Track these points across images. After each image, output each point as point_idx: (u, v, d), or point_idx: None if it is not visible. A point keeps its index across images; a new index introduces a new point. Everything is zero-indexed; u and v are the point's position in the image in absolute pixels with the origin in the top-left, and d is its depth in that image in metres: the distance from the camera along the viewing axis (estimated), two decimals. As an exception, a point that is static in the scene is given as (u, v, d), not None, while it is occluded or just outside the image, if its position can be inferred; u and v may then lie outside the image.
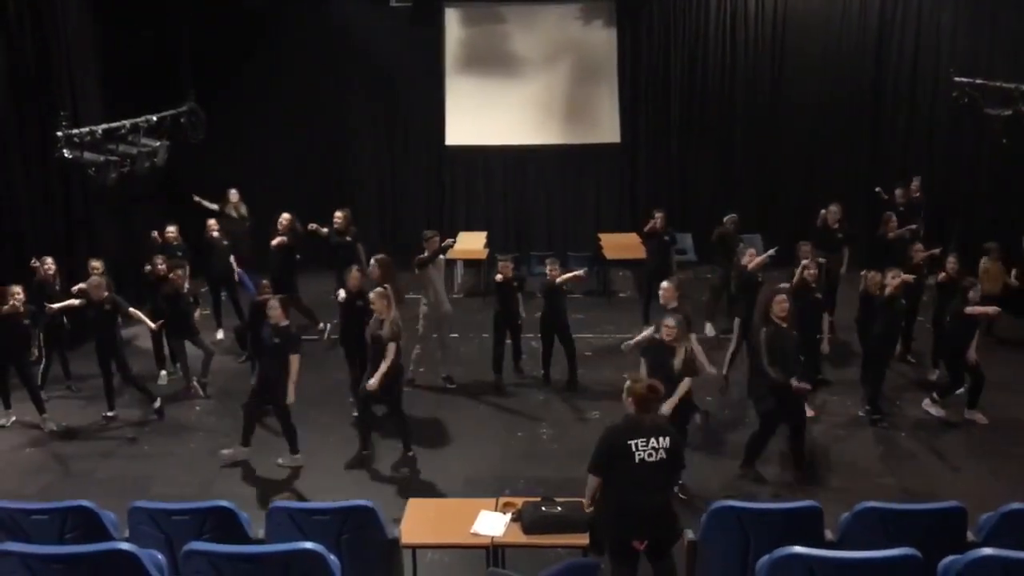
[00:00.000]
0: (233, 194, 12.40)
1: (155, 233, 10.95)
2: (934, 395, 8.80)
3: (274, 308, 7.59)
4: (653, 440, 4.98)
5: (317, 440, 8.25)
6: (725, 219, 11.10)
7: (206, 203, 12.27)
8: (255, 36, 13.68)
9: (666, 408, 6.88)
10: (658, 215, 11.26)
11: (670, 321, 7.03)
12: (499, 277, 9.37)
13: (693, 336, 7.59)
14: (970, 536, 4.98)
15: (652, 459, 4.96)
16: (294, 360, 7.53)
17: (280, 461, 7.74)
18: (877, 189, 11.94)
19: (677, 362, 6.89)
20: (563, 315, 9.50)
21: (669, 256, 11.48)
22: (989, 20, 13.28)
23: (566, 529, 5.38)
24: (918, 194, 11.96)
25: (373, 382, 7.42)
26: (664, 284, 7.84)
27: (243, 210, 12.45)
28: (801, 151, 14.26)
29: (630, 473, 4.96)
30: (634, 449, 4.95)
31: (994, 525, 4.96)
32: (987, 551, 4.15)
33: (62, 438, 8.54)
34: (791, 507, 5.14)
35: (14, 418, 8.86)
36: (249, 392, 7.89)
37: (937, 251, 10.00)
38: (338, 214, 11.27)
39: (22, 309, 8.43)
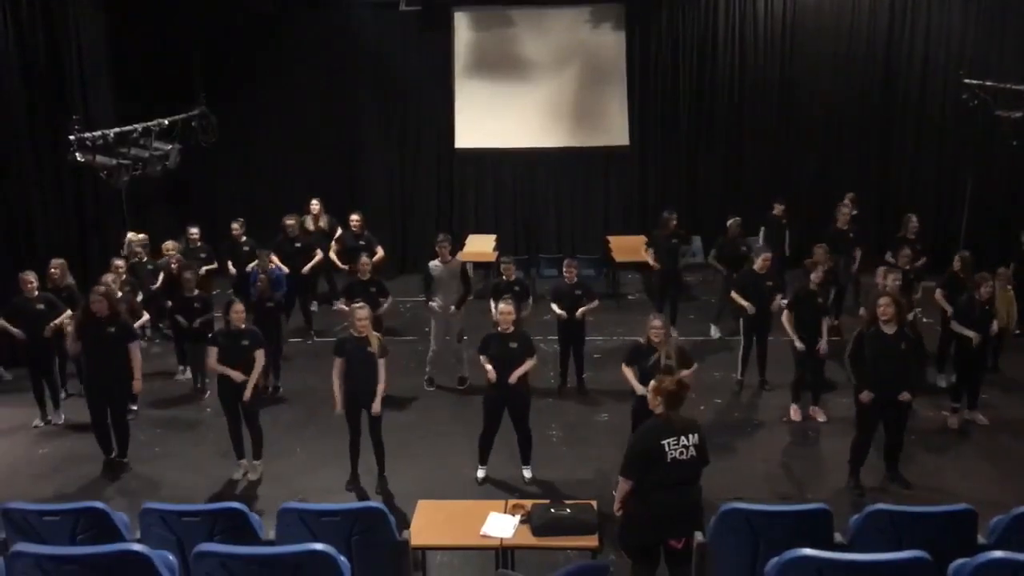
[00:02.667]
0: (314, 204, 12.15)
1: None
2: (954, 406, 8.68)
3: (238, 312, 7.56)
4: (683, 438, 5.03)
5: (327, 442, 8.28)
6: (729, 222, 11.11)
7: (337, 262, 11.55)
8: (265, 40, 13.73)
9: None
10: (672, 218, 11.29)
11: (657, 322, 7.04)
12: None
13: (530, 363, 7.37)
14: (980, 539, 4.95)
15: (683, 457, 5.02)
16: (259, 355, 7.58)
17: (251, 476, 7.76)
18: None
19: (671, 361, 6.89)
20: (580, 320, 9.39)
21: (676, 258, 11.48)
22: (999, 22, 13.24)
23: (575, 531, 5.40)
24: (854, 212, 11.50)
25: (377, 406, 7.30)
26: (501, 306, 7.43)
27: (323, 222, 12.17)
28: (810, 153, 14.23)
29: (663, 473, 5.00)
30: (667, 449, 4.99)
31: (1005, 528, 4.94)
32: (997, 554, 4.14)
33: (74, 441, 8.59)
34: (800, 509, 5.13)
35: (49, 418, 9.00)
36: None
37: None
38: (354, 217, 11.39)
39: (35, 295, 8.58)
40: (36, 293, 8.62)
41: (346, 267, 10.86)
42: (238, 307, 7.59)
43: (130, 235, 10.68)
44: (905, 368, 7.11)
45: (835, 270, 10.07)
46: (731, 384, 9.63)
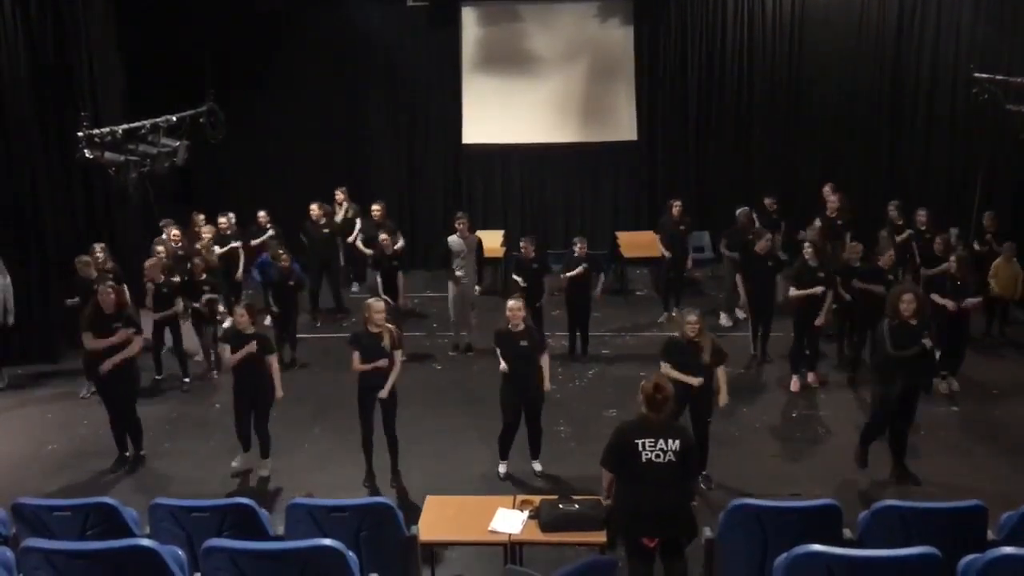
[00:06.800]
0: (339, 194, 12.39)
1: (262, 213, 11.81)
2: (941, 373, 9.09)
3: (242, 316, 7.50)
4: (661, 441, 4.97)
5: (335, 439, 8.30)
6: (738, 212, 11.23)
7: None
8: (273, 37, 13.73)
9: (723, 398, 7.11)
10: (675, 204, 11.42)
11: (692, 317, 6.98)
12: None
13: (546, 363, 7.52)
14: (990, 535, 4.94)
15: (660, 460, 4.96)
16: (272, 360, 7.60)
17: (261, 473, 7.78)
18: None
19: (706, 356, 6.88)
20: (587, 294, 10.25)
21: (685, 246, 11.63)
22: (1010, 16, 13.13)
23: (583, 527, 5.41)
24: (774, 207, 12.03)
25: (385, 392, 7.30)
26: (510, 303, 7.38)
27: (350, 211, 12.36)
28: (819, 148, 14.15)
29: (638, 472, 4.98)
30: (641, 449, 4.96)
31: (1015, 524, 4.93)
32: (1007, 550, 4.12)
33: (83, 437, 8.63)
34: (809, 505, 5.13)
35: (94, 389, 9.00)
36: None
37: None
38: (375, 207, 11.74)
39: (93, 275, 8.87)
40: (94, 274, 8.91)
41: (370, 251, 11.32)
42: (241, 311, 7.57)
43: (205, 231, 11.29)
44: (927, 355, 7.26)
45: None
46: (741, 372, 9.73)
